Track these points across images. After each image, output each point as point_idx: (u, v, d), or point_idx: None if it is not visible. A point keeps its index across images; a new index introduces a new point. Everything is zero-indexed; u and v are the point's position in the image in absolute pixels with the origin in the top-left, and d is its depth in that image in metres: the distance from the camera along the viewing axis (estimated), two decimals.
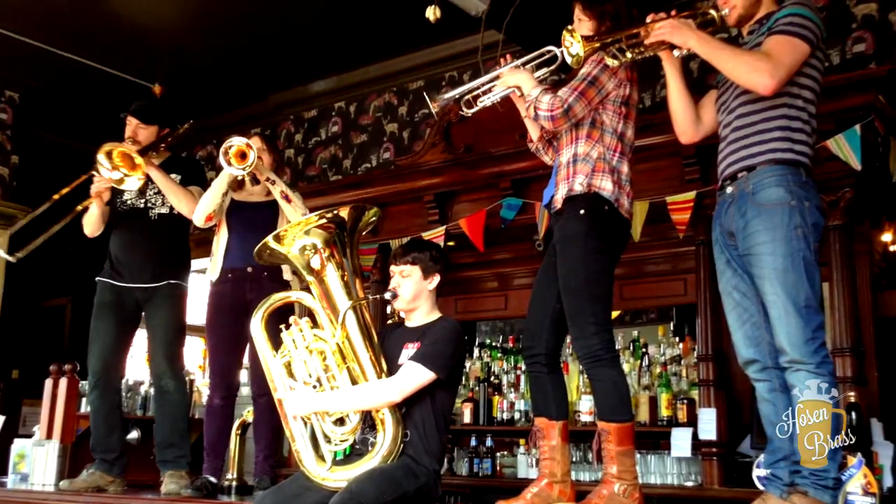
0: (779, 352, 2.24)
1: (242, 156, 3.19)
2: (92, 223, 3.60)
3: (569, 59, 2.47)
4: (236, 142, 3.20)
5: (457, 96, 2.80)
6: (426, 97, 2.87)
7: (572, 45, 2.44)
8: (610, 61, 2.50)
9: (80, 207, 3.57)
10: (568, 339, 2.88)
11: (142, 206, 3.59)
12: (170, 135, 3.66)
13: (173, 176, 3.56)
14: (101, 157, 3.38)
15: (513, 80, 2.70)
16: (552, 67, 2.74)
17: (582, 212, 2.57)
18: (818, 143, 3.12)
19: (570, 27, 2.51)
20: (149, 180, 3.54)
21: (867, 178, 3.28)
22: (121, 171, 3.40)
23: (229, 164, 3.19)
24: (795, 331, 2.19)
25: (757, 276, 2.29)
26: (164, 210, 3.58)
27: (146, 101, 3.79)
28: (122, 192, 3.60)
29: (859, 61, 3.95)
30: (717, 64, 2.34)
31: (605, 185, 2.59)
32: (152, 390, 3.98)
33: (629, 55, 2.47)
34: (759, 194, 2.29)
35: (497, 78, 2.74)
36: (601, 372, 2.53)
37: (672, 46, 2.43)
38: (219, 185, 3.33)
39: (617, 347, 4.17)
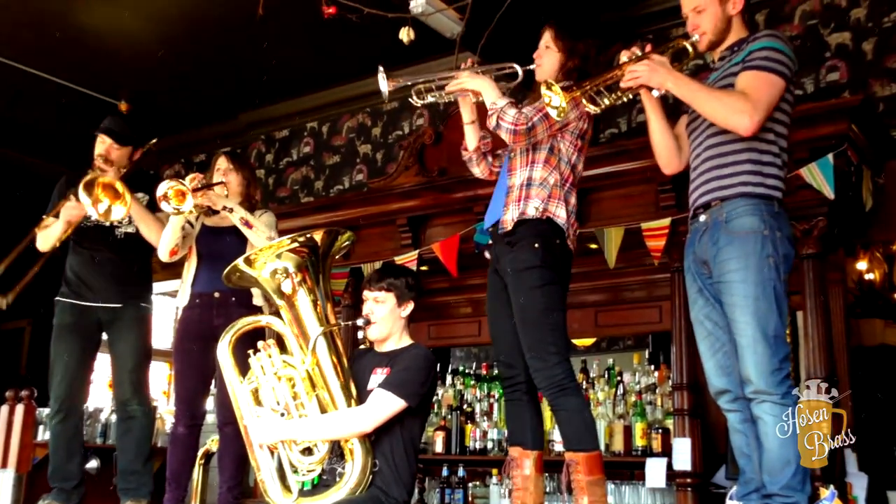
0: (743, 381, 2.29)
1: (182, 194, 3.18)
2: (50, 240, 3.54)
3: (553, 113, 2.48)
4: (167, 185, 3.17)
5: (410, 83, 2.84)
6: (382, 75, 2.83)
7: (552, 98, 2.45)
8: (591, 109, 2.53)
9: (44, 225, 3.51)
10: None
11: (107, 224, 3.58)
12: (135, 154, 3.66)
13: (140, 195, 3.55)
14: (81, 192, 3.30)
15: (473, 83, 2.74)
16: (511, 84, 2.84)
17: (536, 245, 2.63)
18: (792, 171, 3.21)
19: (548, 80, 2.51)
20: None
21: (840, 206, 3.37)
22: (103, 202, 3.34)
23: (169, 205, 3.17)
24: (763, 360, 2.24)
25: (728, 304, 2.34)
26: (131, 229, 3.59)
27: (119, 119, 3.75)
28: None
29: (833, 90, 4.07)
30: (695, 106, 2.40)
31: (560, 213, 2.68)
32: (115, 417, 3.93)
33: (607, 101, 2.50)
34: (733, 223, 2.34)
35: (453, 77, 2.78)
36: (567, 401, 2.57)
37: (651, 87, 2.47)
38: (176, 220, 3.31)
39: (592, 375, 4.27)
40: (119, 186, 3.35)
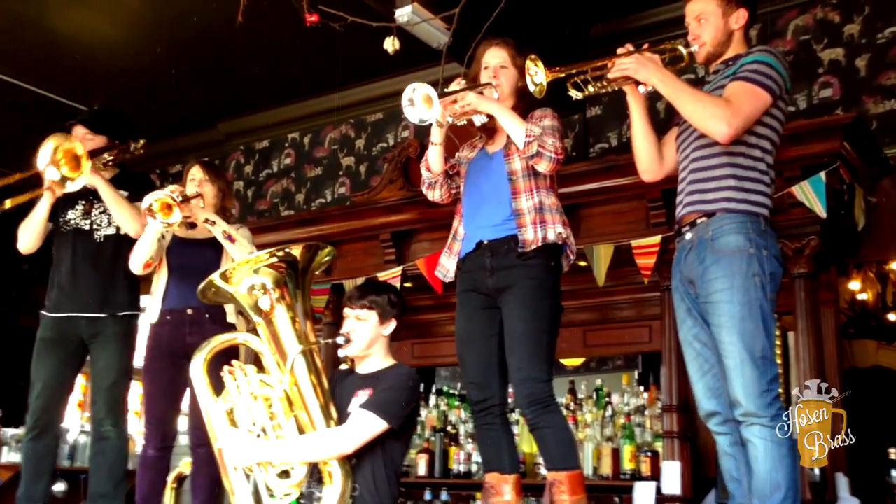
0: (733, 403, 2.32)
1: (168, 207, 3.18)
2: (33, 229, 3.48)
3: (532, 88, 2.55)
4: (155, 197, 3.17)
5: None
6: (430, 95, 2.56)
7: (536, 73, 2.51)
8: (573, 93, 2.58)
9: (25, 197, 3.47)
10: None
11: (87, 227, 3.55)
12: (119, 148, 3.62)
13: (122, 193, 3.52)
14: (44, 149, 3.27)
15: (487, 107, 2.74)
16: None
17: (553, 264, 2.71)
18: (784, 188, 3.27)
19: (533, 56, 2.58)
20: (94, 199, 3.53)
21: (833, 225, 3.42)
22: (62, 170, 3.30)
23: (155, 219, 3.17)
24: (751, 382, 2.27)
25: (714, 325, 2.37)
26: (111, 231, 3.54)
27: (94, 110, 3.71)
28: (66, 212, 3.56)
29: (826, 107, 4.14)
30: (677, 105, 2.44)
31: (572, 241, 2.77)
32: (83, 439, 3.89)
33: (591, 88, 2.55)
34: (719, 241, 2.38)
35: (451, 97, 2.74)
36: (552, 418, 2.61)
37: (637, 82, 2.51)
38: (153, 232, 3.31)
39: (580, 396, 4.29)
40: (84, 159, 3.28)
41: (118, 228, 3.53)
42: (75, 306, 3.48)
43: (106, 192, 3.45)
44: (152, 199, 3.17)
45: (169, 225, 3.19)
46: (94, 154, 3.50)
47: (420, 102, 2.57)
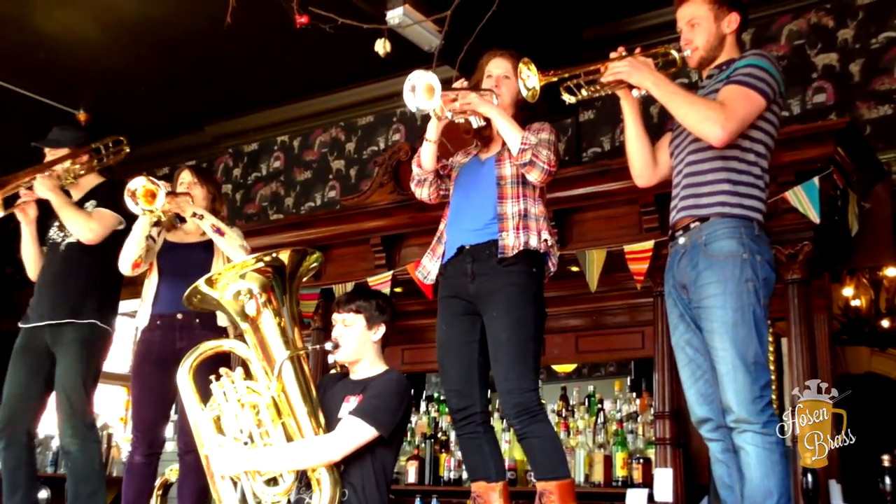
0: (725, 410, 2.33)
1: (152, 195, 3.17)
2: (26, 256, 3.60)
3: (525, 92, 2.56)
4: (140, 182, 3.17)
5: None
6: (434, 85, 2.59)
7: (529, 77, 2.52)
8: (566, 97, 2.59)
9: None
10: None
11: (58, 239, 3.57)
12: (86, 155, 3.63)
13: (89, 204, 3.53)
14: None
15: (485, 109, 2.75)
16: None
17: (535, 269, 2.70)
18: (777, 193, 3.29)
19: (525, 59, 2.59)
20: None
21: (826, 231, 3.44)
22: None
23: (137, 204, 3.16)
24: (743, 388, 2.28)
25: (706, 330, 2.38)
26: (72, 239, 3.54)
27: (59, 127, 3.75)
28: (49, 230, 3.61)
29: (820, 112, 4.17)
30: (670, 108, 2.45)
31: (555, 250, 2.77)
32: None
33: (584, 92, 2.57)
34: (712, 246, 2.39)
35: (452, 97, 2.74)
36: (539, 427, 2.61)
37: (630, 86, 2.52)
38: (140, 229, 3.29)
39: (572, 403, 4.30)
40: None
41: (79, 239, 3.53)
42: (40, 316, 3.50)
43: (54, 200, 3.47)
44: (138, 184, 3.16)
45: (151, 212, 3.18)
46: (48, 165, 3.56)
47: (421, 91, 2.59)
